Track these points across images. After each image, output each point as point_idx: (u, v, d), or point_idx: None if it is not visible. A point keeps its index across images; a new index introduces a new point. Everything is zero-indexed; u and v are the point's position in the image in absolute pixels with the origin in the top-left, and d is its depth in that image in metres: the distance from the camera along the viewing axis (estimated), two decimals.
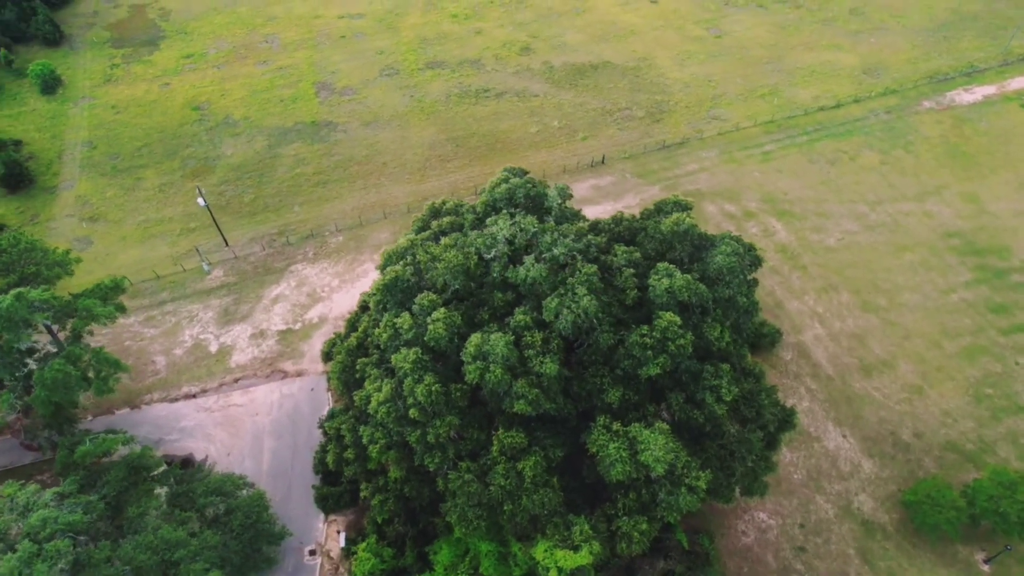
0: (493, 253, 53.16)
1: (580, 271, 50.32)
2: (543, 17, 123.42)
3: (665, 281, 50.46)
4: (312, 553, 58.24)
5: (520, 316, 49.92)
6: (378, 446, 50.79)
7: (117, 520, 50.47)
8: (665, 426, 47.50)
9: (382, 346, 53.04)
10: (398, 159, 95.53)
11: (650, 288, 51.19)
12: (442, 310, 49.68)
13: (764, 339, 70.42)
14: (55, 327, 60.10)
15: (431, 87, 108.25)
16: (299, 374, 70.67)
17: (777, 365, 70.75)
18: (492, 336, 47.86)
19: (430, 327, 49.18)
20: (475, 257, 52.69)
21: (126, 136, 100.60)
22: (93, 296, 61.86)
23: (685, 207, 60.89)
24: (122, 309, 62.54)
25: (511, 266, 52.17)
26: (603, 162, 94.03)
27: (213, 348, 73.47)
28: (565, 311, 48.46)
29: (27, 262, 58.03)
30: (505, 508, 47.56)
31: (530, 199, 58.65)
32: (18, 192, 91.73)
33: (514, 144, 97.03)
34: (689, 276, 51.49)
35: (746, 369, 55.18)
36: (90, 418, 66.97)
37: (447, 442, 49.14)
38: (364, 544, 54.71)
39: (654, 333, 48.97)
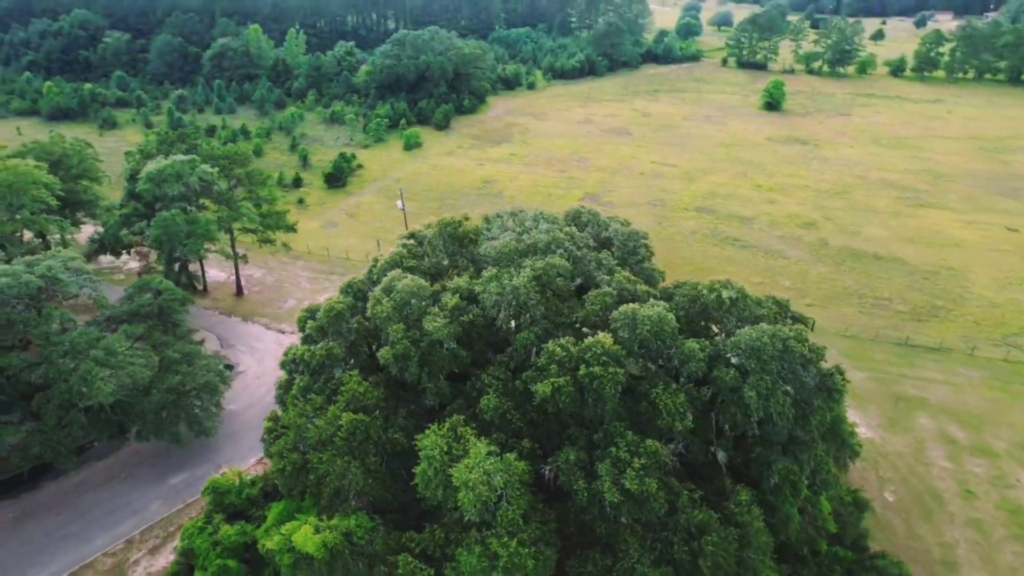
0: (489, 233, 47.33)
1: (546, 259, 40.94)
2: (855, 210, 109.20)
3: (631, 307, 37.46)
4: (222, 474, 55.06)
5: (461, 281, 42.55)
6: (287, 357, 47.29)
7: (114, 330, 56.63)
8: (519, 463, 33.17)
9: None
10: None
11: (613, 316, 38.43)
12: (401, 248, 45.78)
13: (861, 554, 43.61)
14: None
15: (685, 223, 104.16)
16: None
17: None
18: (408, 276, 41.75)
19: (379, 261, 45.64)
20: (468, 229, 47.73)
21: (423, 182, 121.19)
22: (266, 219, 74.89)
23: (798, 319, 45.62)
24: (271, 228, 73.42)
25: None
26: (812, 328, 74.80)
27: None
28: (493, 284, 39.63)
29: (236, 165, 73.64)
30: (312, 459, 38.48)
31: (595, 225, 51.23)
32: (331, 188, 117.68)
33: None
34: (671, 315, 37.24)
35: (722, 508, 35.30)
36: (216, 313, 78.19)
37: (319, 369, 42.94)
38: (236, 470, 49.77)
39: (572, 348, 36.13)
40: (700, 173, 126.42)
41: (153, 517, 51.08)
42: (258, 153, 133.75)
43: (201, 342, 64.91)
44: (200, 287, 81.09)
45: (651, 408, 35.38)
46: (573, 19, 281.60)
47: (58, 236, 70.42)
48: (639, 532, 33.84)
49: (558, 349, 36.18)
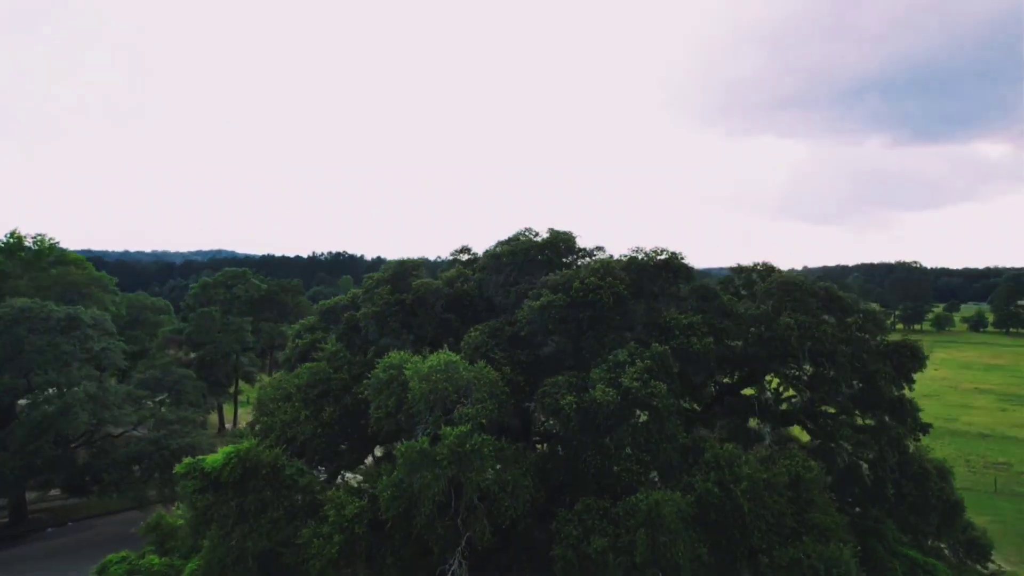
0: None
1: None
2: (950, 406, 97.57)
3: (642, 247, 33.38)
4: None
5: (464, 269, 39.69)
6: None
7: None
8: (493, 372, 26.81)
9: None
10: None
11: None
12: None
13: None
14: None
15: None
16: None
17: None
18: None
19: None
20: None
21: None
22: None
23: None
24: None
25: None
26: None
27: None
28: (498, 248, 36.84)
29: (287, 293, 76.28)
30: (263, 420, 32.37)
31: None
32: None
33: None
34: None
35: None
36: None
37: (300, 360, 38.34)
38: None
39: (568, 271, 31.61)
40: None
41: None
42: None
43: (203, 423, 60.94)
44: (228, 426, 78.01)
45: (661, 333, 28.94)
46: None
47: None
48: (647, 463, 25.04)
49: (552, 276, 31.57)
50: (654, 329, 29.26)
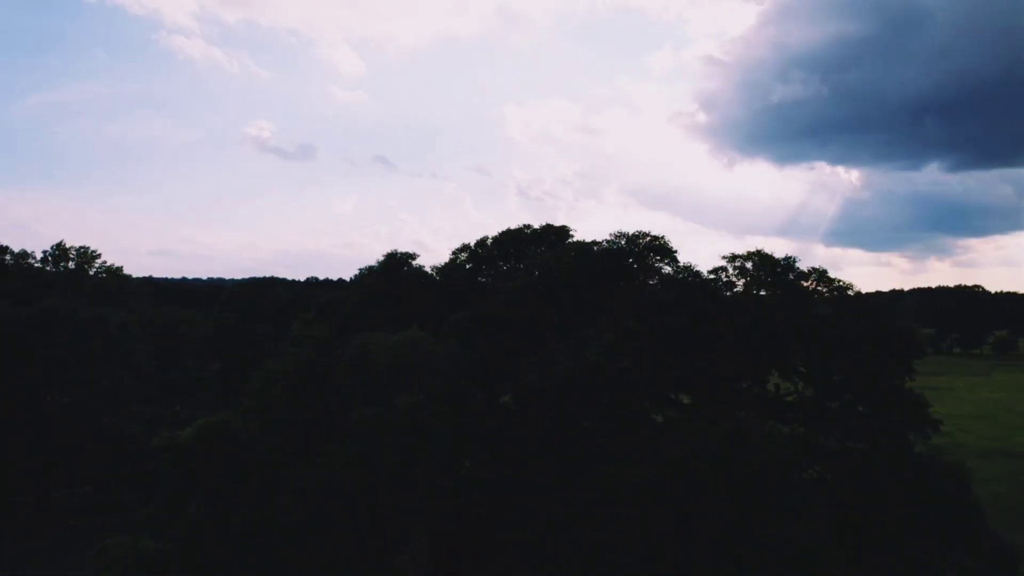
0: None
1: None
2: (1003, 426, 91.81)
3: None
4: None
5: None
6: None
7: None
8: (463, 350, 26.66)
9: None
10: None
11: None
12: None
13: None
14: None
15: None
16: None
17: None
18: None
19: None
20: None
21: None
22: None
23: None
24: None
25: None
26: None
27: None
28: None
29: None
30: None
31: None
32: None
33: None
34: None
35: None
36: None
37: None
38: None
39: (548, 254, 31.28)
40: None
41: None
42: None
43: None
44: None
45: (637, 312, 28.29)
46: None
47: None
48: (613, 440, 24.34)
49: (534, 260, 31.40)
50: (631, 308, 28.64)
